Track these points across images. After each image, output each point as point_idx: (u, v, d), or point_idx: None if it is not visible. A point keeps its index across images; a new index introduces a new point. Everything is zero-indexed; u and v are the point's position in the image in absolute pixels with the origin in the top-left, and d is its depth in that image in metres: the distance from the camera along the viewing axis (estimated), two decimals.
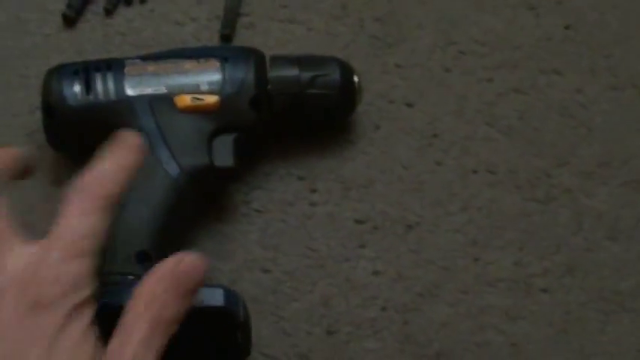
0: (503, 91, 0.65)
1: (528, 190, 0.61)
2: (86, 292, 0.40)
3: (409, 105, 0.64)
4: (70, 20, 0.66)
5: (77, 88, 0.56)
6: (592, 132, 0.63)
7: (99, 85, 0.56)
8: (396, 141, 0.63)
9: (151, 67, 0.57)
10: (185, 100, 0.56)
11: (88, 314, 0.40)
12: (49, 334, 0.39)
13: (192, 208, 0.56)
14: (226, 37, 0.66)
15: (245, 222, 0.60)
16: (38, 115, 0.63)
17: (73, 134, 0.58)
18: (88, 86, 0.56)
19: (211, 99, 0.56)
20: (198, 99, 0.56)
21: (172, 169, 0.54)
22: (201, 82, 0.57)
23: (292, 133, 0.61)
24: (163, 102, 0.56)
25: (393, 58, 0.66)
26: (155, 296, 0.41)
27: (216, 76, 0.57)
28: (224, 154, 0.56)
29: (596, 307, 0.57)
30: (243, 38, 0.66)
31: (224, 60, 0.57)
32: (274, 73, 0.58)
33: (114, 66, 0.57)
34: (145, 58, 0.58)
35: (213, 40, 0.66)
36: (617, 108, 0.64)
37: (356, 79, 0.60)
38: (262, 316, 0.56)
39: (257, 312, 0.56)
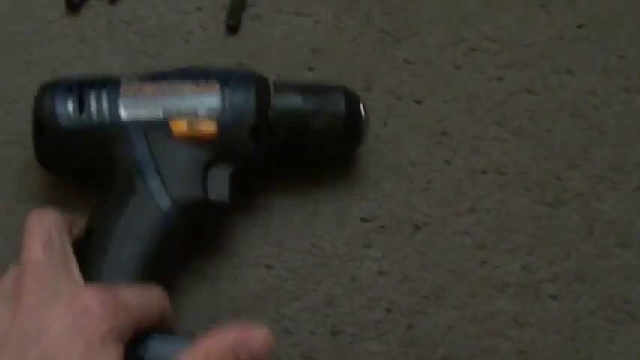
0: (514, 90, 0.63)
1: (538, 193, 0.60)
2: (128, 324, 0.42)
3: (418, 102, 0.63)
4: (73, 6, 0.65)
5: (70, 106, 0.54)
6: (604, 135, 0.62)
7: (93, 105, 0.54)
8: (405, 138, 0.62)
9: (148, 88, 0.54)
10: (181, 127, 0.53)
11: (122, 348, 0.42)
12: (90, 338, 0.41)
13: (182, 243, 0.53)
14: (232, 28, 0.65)
15: (248, 217, 0.58)
16: None
17: (64, 155, 0.55)
18: (82, 105, 0.54)
19: (209, 126, 0.54)
20: (195, 126, 0.53)
21: (163, 201, 0.52)
22: (199, 107, 0.54)
23: (292, 165, 0.58)
24: (159, 128, 0.53)
25: (402, 53, 0.64)
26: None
27: (215, 102, 0.54)
28: (219, 187, 0.53)
29: (605, 315, 0.56)
30: (249, 30, 0.65)
31: (224, 83, 0.54)
32: (276, 101, 0.55)
33: (109, 84, 0.54)
34: (143, 78, 0.55)
35: (219, 30, 0.65)
36: (630, 111, 0.63)
37: (363, 110, 0.57)
38: (264, 314, 0.55)
39: (259, 309, 0.55)
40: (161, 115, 0.53)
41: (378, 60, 0.64)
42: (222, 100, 0.54)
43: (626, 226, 0.59)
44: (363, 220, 0.58)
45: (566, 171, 0.61)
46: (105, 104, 0.54)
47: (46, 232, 0.46)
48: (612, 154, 0.61)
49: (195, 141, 0.53)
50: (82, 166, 0.56)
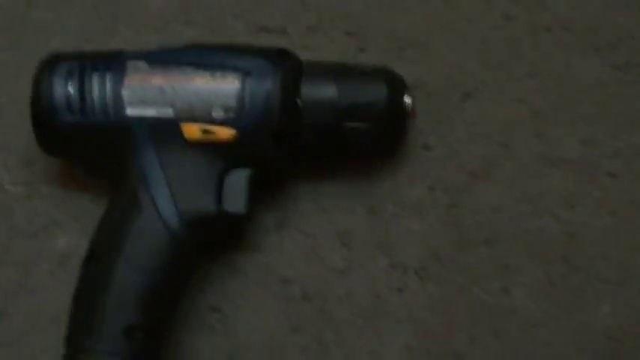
0: None
1: (607, 54, 0.53)
2: None
3: None
4: None
5: (70, 96, 0.48)
6: None
7: (95, 94, 0.48)
8: None
9: (157, 78, 0.47)
10: (194, 131, 0.47)
11: None
12: None
13: (192, 265, 0.49)
14: None
15: None
16: None
17: (67, 149, 0.50)
18: (83, 95, 0.48)
19: (225, 132, 0.47)
20: (209, 131, 0.47)
21: (172, 218, 0.47)
22: (215, 107, 0.47)
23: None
24: (168, 129, 0.47)
25: None
26: None
27: (232, 101, 0.47)
28: (235, 196, 0.47)
29: None
30: None
31: (245, 74, 0.47)
32: (306, 95, 0.47)
33: (114, 67, 0.48)
34: (152, 59, 0.48)
35: None
36: None
37: (407, 100, 0.49)
38: (298, 191, 0.53)
39: (294, 187, 0.53)
40: (171, 114, 0.47)
41: None
42: (242, 99, 0.47)
43: None
44: (410, 86, 0.54)
45: None
46: (109, 94, 0.48)
47: None
48: None
49: (209, 146, 0.47)
50: (88, 160, 0.51)
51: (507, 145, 0.53)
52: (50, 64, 0.49)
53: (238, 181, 0.48)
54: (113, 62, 0.49)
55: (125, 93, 0.48)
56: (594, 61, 0.54)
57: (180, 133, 0.48)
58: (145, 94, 0.48)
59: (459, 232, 0.52)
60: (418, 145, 0.53)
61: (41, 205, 0.54)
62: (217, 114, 0.47)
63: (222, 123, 0.47)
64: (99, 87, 0.48)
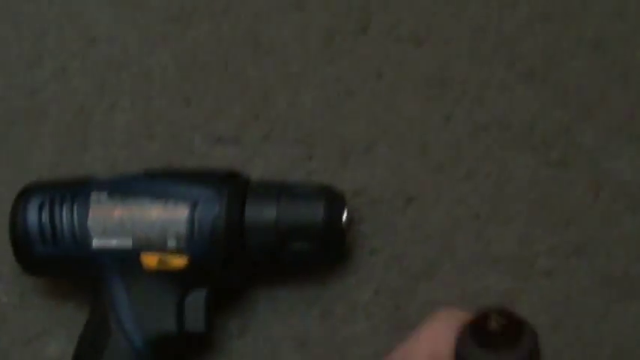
0: (526, 22, 0.56)
1: (543, 152, 0.55)
2: None
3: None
4: None
5: (43, 224, 0.53)
6: (629, 73, 0.55)
7: (65, 226, 0.53)
8: (400, 90, 0.58)
9: (117, 209, 0.52)
10: (152, 261, 0.52)
11: None
12: None
13: None
14: None
15: None
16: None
17: (44, 271, 0.56)
18: (54, 226, 0.53)
19: (179, 261, 0.52)
20: (165, 260, 0.52)
21: (137, 339, 0.52)
22: (169, 237, 0.52)
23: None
24: (129, 259, 0.52)
25: None
26: None
27: (183, 229, 0.51)
28: (195, 316, 0.52)
29: (600, 292, 0.54)
30: None
31: (193, 203, 0.52)
32: (250, 216, 0.52)
33: (79, 198, 0.53)
34: (113, 190, 0.53)
35: None
36: None
37: (345, 218, 0.52)
38: (257, 297, 0.57)
39: (252, 294, 0.57)
40: (131, 245, 0.52)
41: None
42: (191, 227, 0.51)
43: (637, 189, 0.54)
44: (355, 193, 0.57)
45: (578, 122, 0.55)
46: (76, 226, 0.53)
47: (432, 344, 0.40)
48: (635, 98, 0.55)
49: (166, 273, 0.52)
50: (66, 280, 0.57)
51: (448, 246, 0.56)
52: (24, 197, 0.54)
53: (196, 301, 0.53)
54: (79, 194, 0.53)
55: (90, 225, 0.53)
56: (530, 159, 0.56)
57: (140, 263, 0.52)
58: (107, 226, 0.52)
59: (404, 333, 0.56)
60: (365, 251, 0.57)
61: (33, 314, 0.59)
62: (171, 242, 0.52)
63: (175, 251, 0.52)
64: (67, 219, 0.53)
